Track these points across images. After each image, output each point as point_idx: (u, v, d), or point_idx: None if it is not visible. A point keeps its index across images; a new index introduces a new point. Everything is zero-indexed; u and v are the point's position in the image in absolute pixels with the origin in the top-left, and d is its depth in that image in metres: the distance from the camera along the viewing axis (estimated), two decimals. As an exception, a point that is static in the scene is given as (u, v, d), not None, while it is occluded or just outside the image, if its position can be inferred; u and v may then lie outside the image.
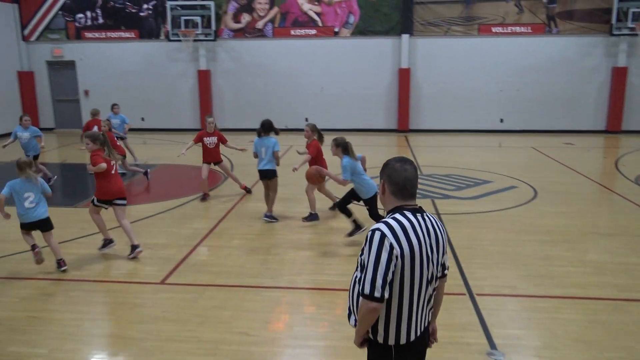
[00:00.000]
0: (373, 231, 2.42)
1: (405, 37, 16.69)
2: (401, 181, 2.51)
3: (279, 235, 7.20)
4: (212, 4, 16.70)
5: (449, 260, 6.17)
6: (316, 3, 16.88)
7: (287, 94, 17.48)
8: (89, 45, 17.85)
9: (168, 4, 16.75)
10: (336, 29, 17.00)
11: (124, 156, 10.49)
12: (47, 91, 18.37)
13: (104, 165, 6.07)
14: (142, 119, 17.86)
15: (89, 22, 17.72)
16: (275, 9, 17.06)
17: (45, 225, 5.92)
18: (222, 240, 7.08)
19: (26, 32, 17.93)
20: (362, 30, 16.93)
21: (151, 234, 7.30)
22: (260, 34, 17.26)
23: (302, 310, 5.05)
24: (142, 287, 5.56)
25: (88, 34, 17.78)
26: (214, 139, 9.05)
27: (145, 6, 17.41)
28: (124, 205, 6.40)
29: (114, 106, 12.39)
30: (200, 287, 5.53)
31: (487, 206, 8.55)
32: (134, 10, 17.47)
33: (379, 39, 16.95)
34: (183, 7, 16.80)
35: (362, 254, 2.50)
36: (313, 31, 17.08)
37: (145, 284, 5.63)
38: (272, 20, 17.14)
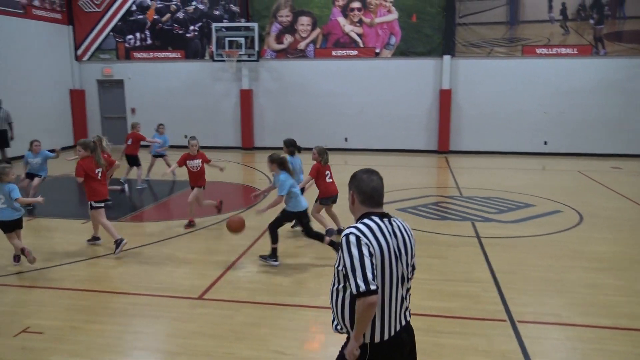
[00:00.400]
0: (347, 236, 2.59)
1: (446, 58, 16.61)
2: (369, 190, 2.73)
3: (317, 254, 7.19)
4: (255, 25, 17.08)
5: (491, 286, 6.02)
6: (358, 24, 17.03)
7: (327, 114, 17.60)
8: (137, 64, 18.48)
9: (213, 26, 17.23)
10: (377, 50, 17.08)
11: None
12: (97, 109, 19.07)
13: (81, 179, 7.08)
14: (185, 137, 18.16)
15: (138, 43, 18.37)
16: (317, 30, 17.30)
17: (18, 224, 6.68)
18: (260, 257, 7.12)
19: (79, 52, 18.73)
20: (403, 52, 16.96)
21: (190, 249, 7.42)
22: (301, 54, 17.51)
23: (337, 331, 5.00)
24: (180, 301, 5.64)
25: (137, 54, 18.42)
26: (198, 162, 8.58)
27: (191, 28, 17.95)
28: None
29: (159, 126, 12.78)
30: (237, 303, 5.56)
31: (530, 230, 8.32)
32: (180, 32, 18.03)
33: (420, 60, 16.93)
34: (228, 28, 17.24)
35: (338, 265, 2.64)
36: (354, 52, 17.21)
37: (184, 298, 5.70)
38: (313, 41, 17.37)
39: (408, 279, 2.73)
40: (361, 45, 17.14)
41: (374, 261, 2.54)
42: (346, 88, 17.34)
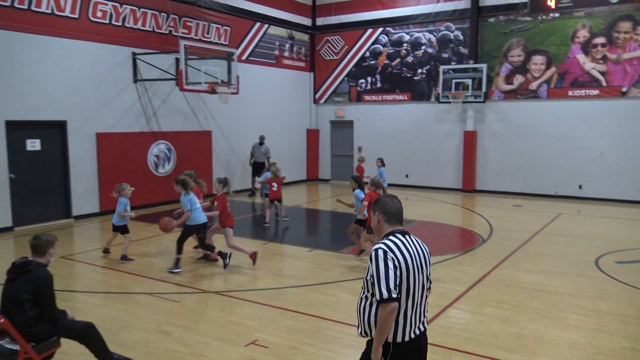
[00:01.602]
0: (376, 250, 3.01)
1: None
2: (393, 211, 3.18)
3: (539, 310, 6.57)
4: (484, 66, 16.77)
5: None
6: (601, 62, 15.46)
7: (559, 158, 16.19)
8: (366, 106, 19.66)
9: (441, 68, 17.45)
10: (624, 89, 15.22)
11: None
12: (328, 147, 20.76)
13: (217, 212, 8.46)
14: (406, 176, 18.68)
15: (369, 87, 19.58)
16: (552, 69, 16.20)
17: (120, 229, 8.98)
18: (474, 305, 6.80)
19: (317, 95, 20.76)
20: (657, 90, 14.79)
21: (404, 287, 7.46)
22: (533, 95, 16.56)
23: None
24: (390, 338, 5.68)
25: (366, 97, 19.63)
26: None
27: (419, 71, 18.47)
28: None
29: (377, 160, 14.23)
30: (448, 350, 5.38)
31: None
32: (409, 75, 18.69)
33: (680, 99, 14.54)
34: (455, 70, 17.28)
35: (367, 275, 3.07)
36: (595, 91, 15.62)
37: (394, 336, 5.73)
38: (547, 81, 16.30)
39: (427, 289, 3.18)
40: (604, 84, 15.48)
41: (398, 273, 2.96)
42: (583, 131, 15.77)
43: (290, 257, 9.33)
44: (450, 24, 17.69)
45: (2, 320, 4.21)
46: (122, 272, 8.25)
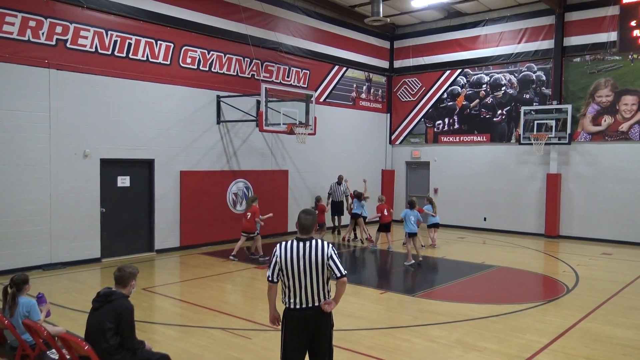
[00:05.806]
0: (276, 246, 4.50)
1: None
2: (302, 223, 4.50)
3: (632, 370, 6.02)
4: (569, 107, 16.11)
5: None
6: (700, 101, 14.41)
7: (654, 204, 15.06)
8: (443, 147, 19.38)
9: (522, 109, 16.95)
10: None
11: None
12: (403, 188, 20.56)
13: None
14: (484, 219, 18.06)
15: (446, 128, 19.34)
16: (645, 110, 15.29)
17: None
18: (559, 360, 6.35)
19: (393, 136, 20.76)
20: None
21: (482, 336, 7.12)
22: (623, 136, 15.64)
23: None
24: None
25: (444, 138, 19.37)
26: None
27: (499, 112, 18.05)
28: None
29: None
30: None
31: None
32: (487, 116, 18.30)
33: None
34: (537, 111, 16.71)
35: None
36: (694, 133, 14.53)
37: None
38: (639, 122, 15.38)
39: (316, 278, 4.38)
40: None
41: (277, 265, 4.43)
42: (682, 175, 14.63)
43: (362, 299, 9.19)
44: (532, 64, 17.26)
45: (87, 347, 4.44)
46: (199, 306, 8.48)
